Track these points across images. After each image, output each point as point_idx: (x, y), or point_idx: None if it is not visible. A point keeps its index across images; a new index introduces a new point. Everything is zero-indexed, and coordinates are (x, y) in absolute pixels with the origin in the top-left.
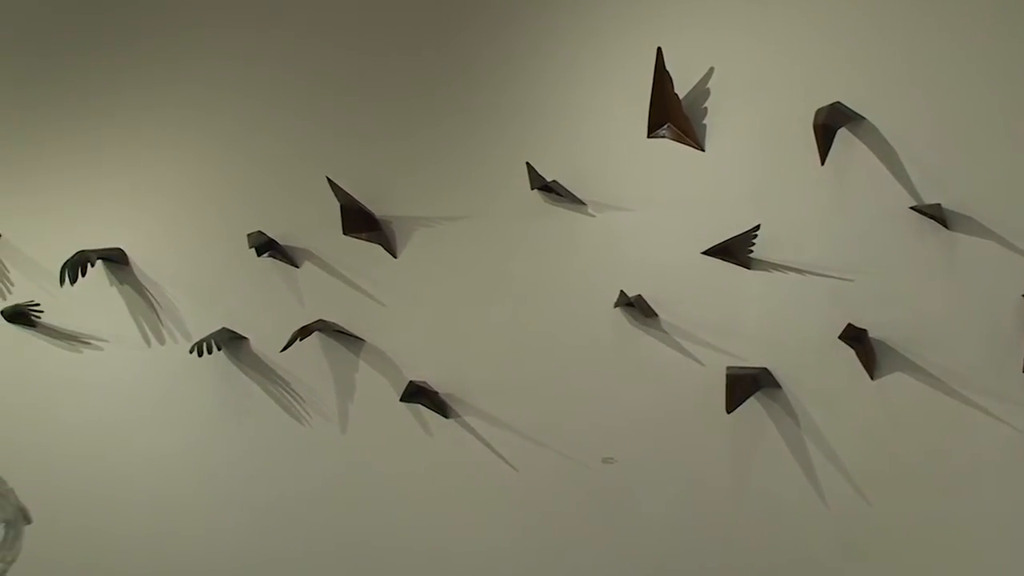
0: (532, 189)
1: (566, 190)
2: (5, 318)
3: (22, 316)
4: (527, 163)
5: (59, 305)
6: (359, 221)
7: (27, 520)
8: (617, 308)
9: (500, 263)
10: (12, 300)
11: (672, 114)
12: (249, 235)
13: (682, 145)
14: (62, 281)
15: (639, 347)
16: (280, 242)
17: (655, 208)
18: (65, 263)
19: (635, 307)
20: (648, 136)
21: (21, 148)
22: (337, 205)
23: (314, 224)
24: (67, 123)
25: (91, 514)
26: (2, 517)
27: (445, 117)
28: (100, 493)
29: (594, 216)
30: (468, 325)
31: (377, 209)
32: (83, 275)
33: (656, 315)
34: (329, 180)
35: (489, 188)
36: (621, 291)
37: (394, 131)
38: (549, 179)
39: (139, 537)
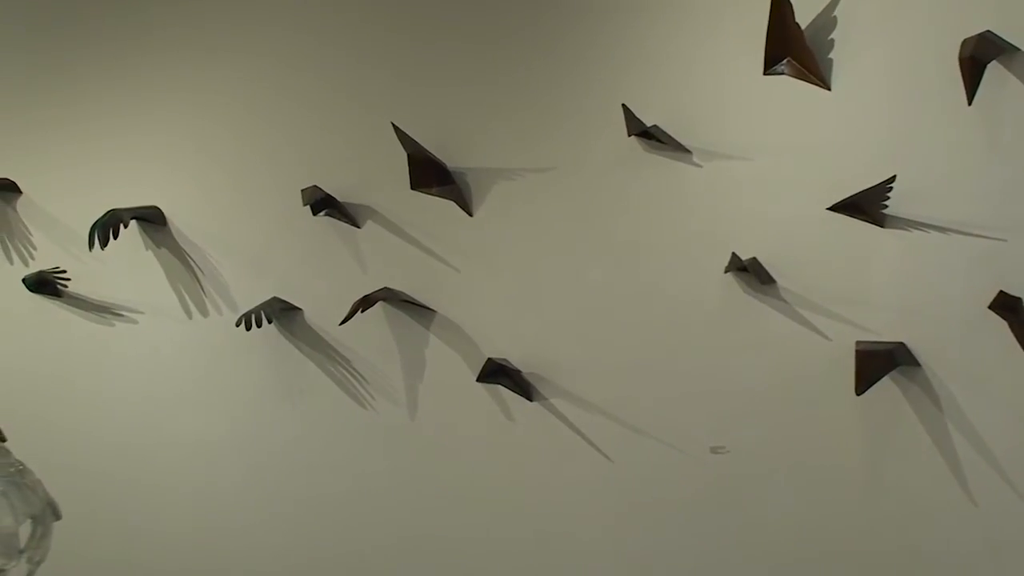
0: (629, 136)
1: (669, 136)
2: (28, 287)
3: (47, 284)
4: (623, 105)
5: (88, 272)
6: (429, 174)
7: (56, 515)
8: (728, 273)
9: (592, 222)
10: (35, 266)
11: (793, 47)
12: (303, 191)
13: (804, 83)
14: (91, 244)
15: (754, 319)
16: (339, 199)
17: (772, 157)
18: (95, 224)
19: (749, 272)
20: (764, 73)
21: (44, 96)
22: (404, 156)
23: (378, 178)
24: (94, 67)
25: (126, 506)
26: (29, 512)
27: (529, 54)
28: (136, 483)
29: (701, 166)
30: (555, 294)
31: (450, 160)
32: (115, 237)
33: (774, 281)
34: (395, 127)
35: (579, 135)
36: (733, 254)
37: (469, 71)
38: (649, 124)
39: (179, 532)
